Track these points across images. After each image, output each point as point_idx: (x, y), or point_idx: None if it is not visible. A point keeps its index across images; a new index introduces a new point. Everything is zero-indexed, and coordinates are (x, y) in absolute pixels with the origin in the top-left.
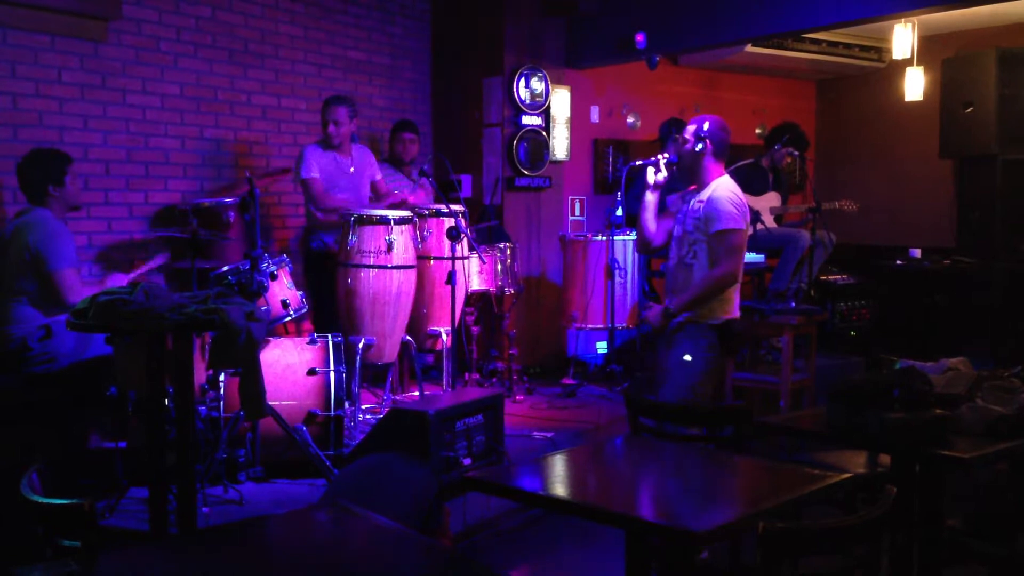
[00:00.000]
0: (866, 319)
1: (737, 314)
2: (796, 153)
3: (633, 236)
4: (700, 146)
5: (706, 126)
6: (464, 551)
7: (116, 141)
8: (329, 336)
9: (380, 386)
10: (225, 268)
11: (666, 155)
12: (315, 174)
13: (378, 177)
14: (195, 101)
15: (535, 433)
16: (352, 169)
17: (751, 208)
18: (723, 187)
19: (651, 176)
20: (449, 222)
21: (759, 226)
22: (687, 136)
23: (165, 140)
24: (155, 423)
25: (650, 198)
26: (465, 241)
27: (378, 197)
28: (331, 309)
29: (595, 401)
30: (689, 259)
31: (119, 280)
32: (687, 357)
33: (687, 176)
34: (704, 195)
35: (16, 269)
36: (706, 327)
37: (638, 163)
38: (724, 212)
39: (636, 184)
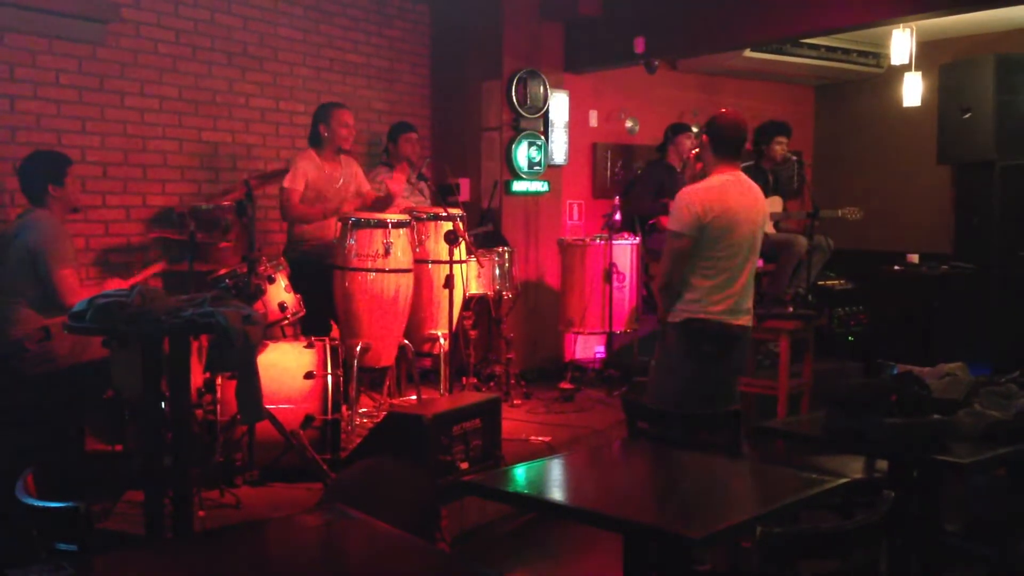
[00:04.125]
0: (864, 324)
1: (704, 314)
2: (784, 140)
3: (631, 241)
4: (700, 140)
5: (712, 120)
6: (461, 555)
7: (114, 144)
8: (326, 340)
9: (377, 390)
10: (222, 271)
11: (697, 150)
12: (297, 186)
13: (365, 189)
14: (193, 104)
15: (532, 437)
16: (341, 182)
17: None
18: (695, 187)
19: (688, 171)
20: (447, 226)
21: None
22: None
23: (163, 143)
24: (151, 426)
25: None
26: (463, 245)
27: (367, 208)
28: (320, 315)
29: (593, 405)
30: None
31: (118, 286)
32: (653, 361)
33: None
34: None
35: (15, 270)
36: (668, 326)
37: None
38: (672, 211)
39: (636, 187)
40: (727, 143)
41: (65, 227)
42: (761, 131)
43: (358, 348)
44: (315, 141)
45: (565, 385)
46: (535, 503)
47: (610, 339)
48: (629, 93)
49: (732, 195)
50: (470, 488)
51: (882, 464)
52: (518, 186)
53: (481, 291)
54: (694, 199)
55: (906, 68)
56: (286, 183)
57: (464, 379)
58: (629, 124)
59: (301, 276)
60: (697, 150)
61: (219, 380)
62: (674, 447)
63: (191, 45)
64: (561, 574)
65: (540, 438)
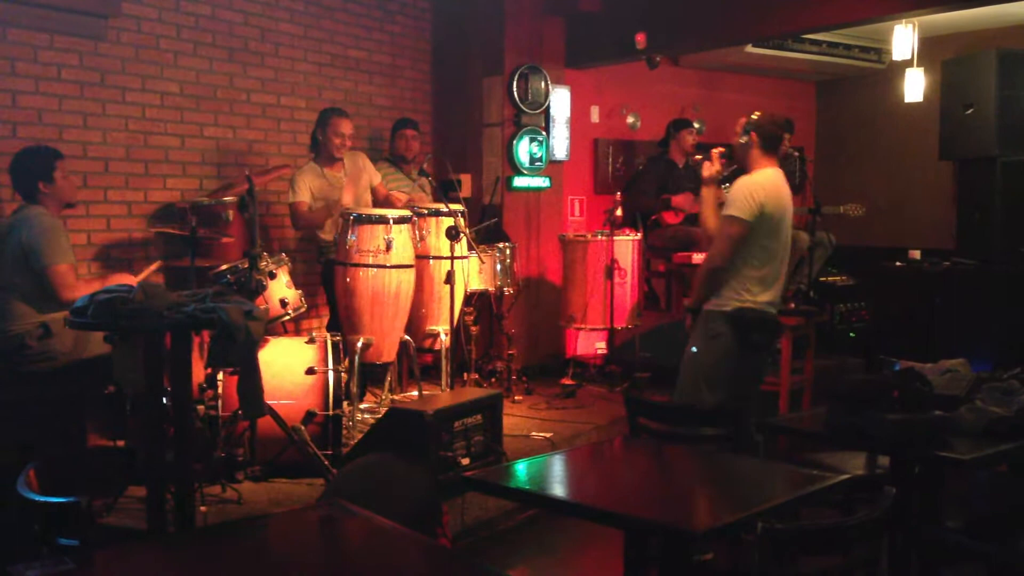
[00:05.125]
0: (865, 320)
1: (753, 304)
2: (786, 136)
3: (632, 237)
4: (745, 139)
5: (754, 117)
6: (462, 551)
7: (115, 139)
8: (328, 335)
9: (379, 386)
10: (224, 267)
11: (721, 148)
12: (302, 199)
13: (376, 181)
14: (195, 99)
15: (534, 433)
16: (346, 180)
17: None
18: (753, 177)
19: (706, 170)
20: (448, 222)
21: None
22: (737, 129)
23: (164, 138)
24: (153, 422)
25: (705, 193)
26: (464, 241)
27: (379, 201)
28: None
29: (594, 401)
30: None
31: (126, 281)
32: (694, 349)
33: (743, 170)
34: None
35: (11, 266)
36: (715, 314)
37: (699, 157)
38: (732, 198)
39: (638, 182)
40: (772, 139)
41: (59, 222)
42: None
43: (359, 344)
44: (314, 145)
45: (566, 381)
46: (536, 499)
47: (611, 335)
48: (630, 89)
49: (782, 189)
50: (471, 484)
51: (883, 460)
52: (519, 182)
53: (482, 287)
54: (756, 188)
55: (908, 64)
56: (291, 199)
57: (465, 375)
58: (630, 120)
59: (331, 279)
60: (700, 156)
61: (221, 375)
62: (675, 443)
63: (192, 40)
64: (562, 570)
65: (541, 434)
